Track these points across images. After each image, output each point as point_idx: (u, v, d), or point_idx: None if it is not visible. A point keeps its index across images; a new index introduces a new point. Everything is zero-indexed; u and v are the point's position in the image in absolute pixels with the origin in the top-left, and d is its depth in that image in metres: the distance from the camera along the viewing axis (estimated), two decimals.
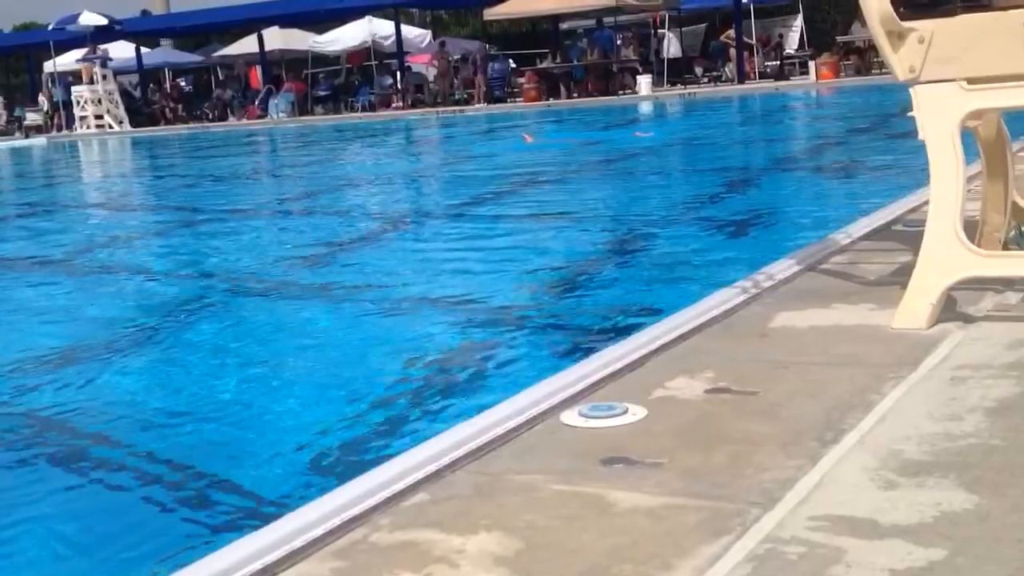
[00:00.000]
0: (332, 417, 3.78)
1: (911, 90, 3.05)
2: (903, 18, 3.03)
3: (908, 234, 4.28)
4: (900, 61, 3.03)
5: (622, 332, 4.21)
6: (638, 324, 4.35)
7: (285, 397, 4.15)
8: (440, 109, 26.01)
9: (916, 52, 3.01)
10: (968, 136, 3.27)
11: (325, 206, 10.77)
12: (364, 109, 28.67)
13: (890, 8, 3.00)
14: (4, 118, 33.81)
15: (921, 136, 3.01)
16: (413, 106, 27.70)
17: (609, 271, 6.15)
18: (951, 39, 2.99)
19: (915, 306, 3.01)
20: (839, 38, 24.85)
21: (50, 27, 31.83)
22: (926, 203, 3.43)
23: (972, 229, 3.47)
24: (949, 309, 3.11)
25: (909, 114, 3.05)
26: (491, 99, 26.69)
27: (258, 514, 2.89)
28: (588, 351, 3.53)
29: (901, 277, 3.34)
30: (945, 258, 2.99)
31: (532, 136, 15.95)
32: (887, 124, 13.34)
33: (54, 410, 4.20)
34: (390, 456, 2.46)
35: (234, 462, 3.49)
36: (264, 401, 4.12)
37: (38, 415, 4.20)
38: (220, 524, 2.93)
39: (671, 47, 28.35)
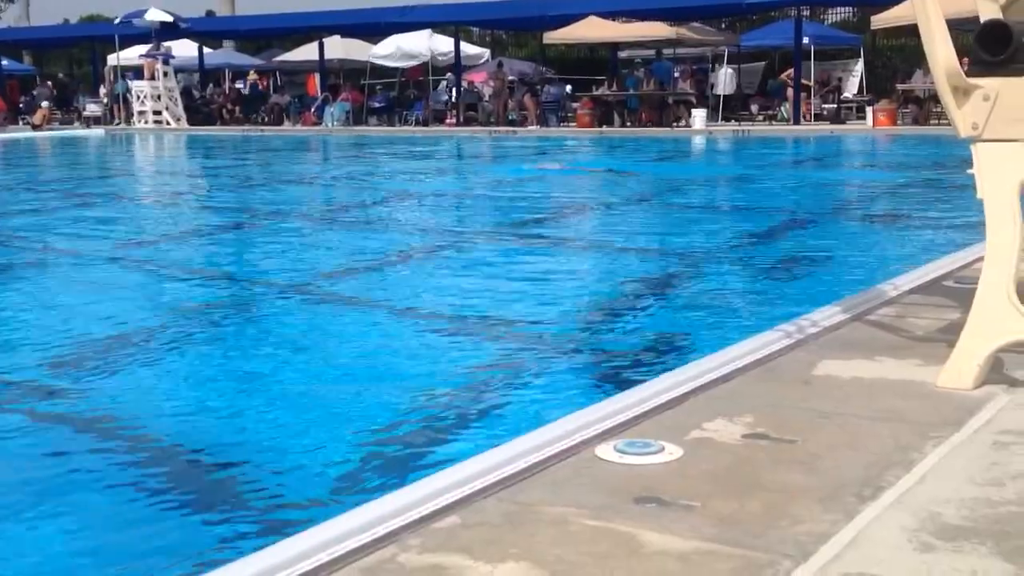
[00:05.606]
0: (357, 432, 3.77)
1: (972, 147, 3.02)
2: (970, 75, 3.00)
3: (958, 290, 4.23)
4: (963, 117, 3.00)
5: (660, 365, 4.18)
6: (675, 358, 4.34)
7: (306, 407, 4.12)
8: (493, 128, 26.09)
9: (980, 109, 2.98)
10: None
11: (362, 217, 10.82)
12: (418, 123, 28.87)
13: (956, 63, 2.97)
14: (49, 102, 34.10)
15: (979, 195, 2.98)
16: (466, 123, 27.84)
17: (643, 299, 6.12)
18: (1018, 99, 2.95)
19: (962, 366, 2.97)
20: (899, 86, 24.62)
21: (117, 21, 32.35)
22: (977, 260, 3.40)
23: None
24: (996, 371, 3.07)
25: (969, 171, 3.02)
26: (544, 122, 26.74)
27: (279, 523, 2.87)
28: (625, 383, 3.50)
29: (949, 335, 3.30)
30: (995, 320, 2.95)
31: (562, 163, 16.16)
32: (943, 175, 13.21)
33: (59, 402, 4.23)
34: (418, 477, 2.45)
35: (256, 470, 3.47)
36: (283, 411, 4.10)
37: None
38: (243, 531, 2.93)
39: (728, 83, 28.28)
